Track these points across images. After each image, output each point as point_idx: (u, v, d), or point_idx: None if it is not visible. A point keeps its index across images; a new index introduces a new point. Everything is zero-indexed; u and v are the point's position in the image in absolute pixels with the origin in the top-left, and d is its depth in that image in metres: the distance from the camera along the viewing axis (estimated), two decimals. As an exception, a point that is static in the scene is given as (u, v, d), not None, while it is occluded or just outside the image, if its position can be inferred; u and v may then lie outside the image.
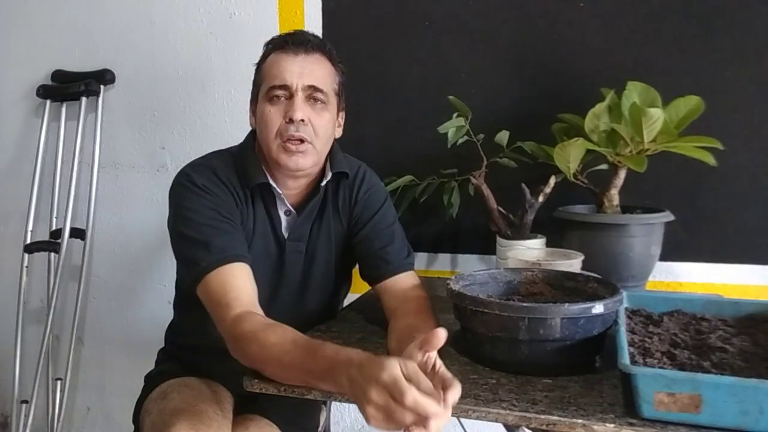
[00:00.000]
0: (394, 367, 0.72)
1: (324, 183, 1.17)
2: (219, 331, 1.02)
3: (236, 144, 1.24)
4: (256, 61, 1.18)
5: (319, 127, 1.11)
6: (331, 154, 1.19)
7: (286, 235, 1.19)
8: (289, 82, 1.09)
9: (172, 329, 1.35)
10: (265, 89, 1.12)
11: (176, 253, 1.13)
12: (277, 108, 1.10)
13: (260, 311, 1.02)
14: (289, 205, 1.18)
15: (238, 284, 1.03)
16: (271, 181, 1.15)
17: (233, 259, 1.05)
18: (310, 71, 1.10)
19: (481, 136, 1.45)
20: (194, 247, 1.06)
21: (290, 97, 1.10)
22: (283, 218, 1.19)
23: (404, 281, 1.17)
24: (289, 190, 1.18)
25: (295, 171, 1.12)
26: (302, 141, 1.10)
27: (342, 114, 1.22)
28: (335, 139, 1.21)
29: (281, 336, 0.92)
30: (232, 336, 0.98)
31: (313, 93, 1.11)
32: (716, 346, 0.86)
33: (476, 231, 1.59)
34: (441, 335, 0.75)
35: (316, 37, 1.16)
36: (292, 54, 1.11)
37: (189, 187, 1.11)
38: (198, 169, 1.14)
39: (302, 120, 1.09)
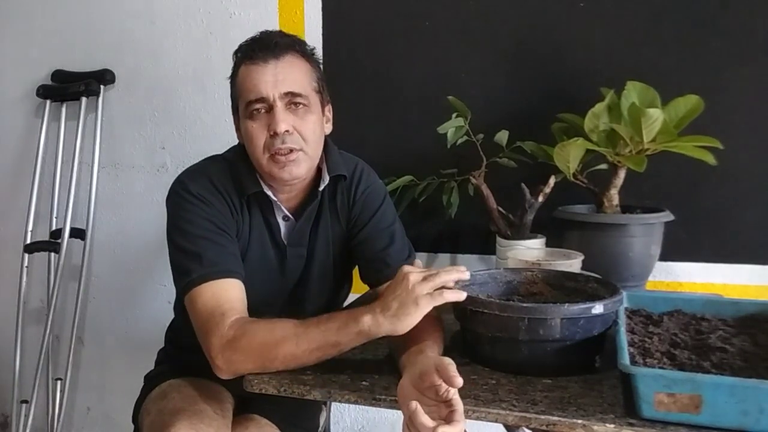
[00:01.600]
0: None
1: (322, 188, 1.16)
2: (208, 345, 0.99)
3: (234, 145, 1.22)
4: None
5: (306, 132, 1.08)
6: (326, 154, 1.17)
7: (286, 241, 1.18)
8: (265, 94, 1.06)
9: (173, 330, 1.35)
10: (243, 105, 1.09)
11: (170, 262, 1.11)
12: (259, 123, 1.08)
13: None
14: (286, 210, 1.17)
15: (231, 297, 1.02)
16: (266, 189, 1.13)
17: (224, 275, 1.04)
18: (284, 77, 1.07)
19: (481, 136, 1.45)
20: (187, 257, 1.06)
21: (270, 109, 1.07)
22: (282, 224, 1.18)
23: None
24: (285, 195, 1.16)
25: (289, 181, 1.10)
26: (291, 150, 1.07)
27: (329, 108, 1.19)
28: (330, 137, 1.19)
29: (286, 320, 0.95)
30: (232, 339, 0.96)
31: (292, 99, 1.07)
32: (716, 346, 0.86)
33: (476, 231, 1.59)
34: (459, 384, 0.78)
35: (283, 36, 1.11)
36: (261, 62, 1.07)
37: (184, 196, 1.10)
38: (194, 177, 1.13)
39: (287, 131, 1.06)
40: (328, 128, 1.19)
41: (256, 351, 0.94)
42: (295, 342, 0.92)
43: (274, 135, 1.06)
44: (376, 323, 0.88)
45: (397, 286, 0.90)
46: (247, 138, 1.10)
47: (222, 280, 1.03)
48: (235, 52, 1.13)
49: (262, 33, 1.13)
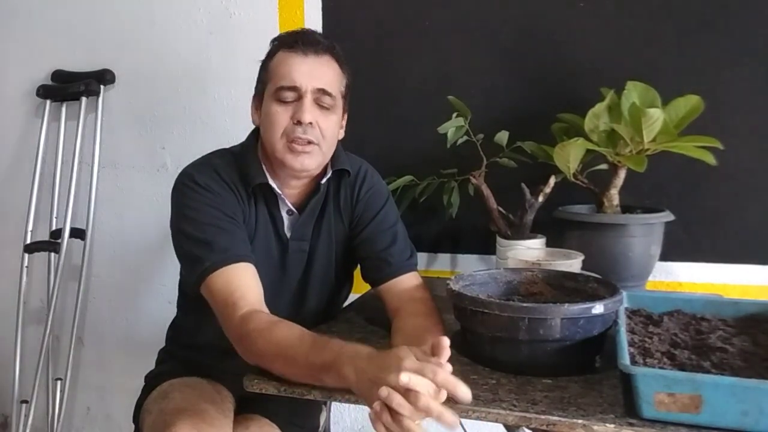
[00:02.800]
0: (411, 355, 0.78)
1: (324, 181, 1.17)
2: (225, 330, 1.02)
3: (237, 143, 1.24)
4: (257, 60, 1.17)
5: (326, 130, 1.11)
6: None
7: (288, 234, 1.19)
8: (298, 84, 1.09)
9: (174, 328, 1.35)
10: (273, 88, 1.11)
11: (179, 252, 1.12)
12: (285, 109, 1.10)
13: (266, 309, 1.03)
14: (290, 204, 1.18)
15: (244, 283, 1.03)
16: (271, 182, 1.15)
17: (237, 259, 1.05)
18: (320, 74, 1.10)
19: (481, 136, 1.45)
20: (197, 246, 1.07)
21: (299, 98, 1.09)
22: (286, 218, 1.19)
23: (407, 282, 1.16)
24: (290, 189, 1.17)
25: (300, 171, 1.12)
26: (309, 143, 1.09)
27: (345, 116, 1.22)
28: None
29: (287, 332, 0.93)
30: (239, 335, 0.98)
31: (321, 96, 1.10)
32: (716, 346, 0.86)
33: (476, 231, 1.59)
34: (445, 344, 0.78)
35: (326, 38, 1.15)
36: (302, 54, 1.10)
37: (191, 186, 1.11)
38: (200, 168, 1.15)
39: (310, 123, 1.09)
40: (341, 134, 1.21)
41: (256, 356, 0.96)
42: (285, 363, 0.91)
43: (297, 123, 1.09)
44: (353, 377, 0.82)
45: (385, 372, 0.77)
46: (268, 120, 1.11)
47: (234, 266, 1.05)
48: (274, 40, 1.16)
49: (305, 29, 1.18)
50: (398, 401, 0.73)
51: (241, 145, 1.22)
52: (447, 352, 0.79)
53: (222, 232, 1.07)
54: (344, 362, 0.83)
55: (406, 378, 0.73)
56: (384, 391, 0.74)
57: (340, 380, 0.84)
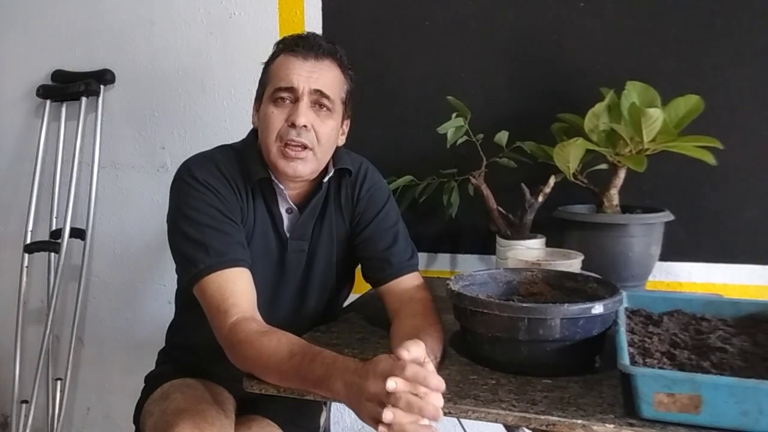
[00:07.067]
0: (386, 358, 0.78)
1: (326, 179, 1.17)
2: (216, 336, 1.02)
3: (244, 137, 1.23)
4: (257, 60, 1.17)
5: (322, 135, 1.10)
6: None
7: (288, 233, 1.18)
8: (295, 85, 1.08)
9: (172, 329, 1.35)
10: (271, 90, 1.10)
11: (174, 249, 1.11)
12: (280, 110, 1.09)
13: (258, 316, 1.02)
14: (291, 202, 1.17)
15: (237, 290, 1.03)
16: (273, 177, 1.14)
17: (232, 264, 1.04)
18: (318, 76, 1.09)
19: (481, 136, 1.45)
20: (193, 246, 1.06)
21: (295, 100, 1.09)
22: (285, 216, 1.18)
23: (408, 282, 1.16)
24: (290, 190, 1.17)
25: (292, 177, 1.11)
26: (303, 147, 1.08)
27: (347, 122, 1.21)
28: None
29: (277, 343, 0.93)
30: (230, 343, 0.98)
31: (319, 98, 1.09)
32: (716, 346, 0.86)
33: (476, 231, 1.59)
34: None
35: (328, 42, 1.14)
36: (302, 57, 1.09)
37: (191, 182, 1.10)
38: (200, 163, 1.14)
39: (305, 126, 1.07)
40: (341, 140, 1.20)
41: (248, 365, 0.96)
42: (277, 375, 0.92)
43: (291, 126, 1.08)
44: (343, 391, 0.82)
45: (373, 382, 0.77)
46: (264, 122, 1.11)
47: (228, 270, 1.04)
48: (277, 43, 1.15)
49: (309, 33, 1.16)
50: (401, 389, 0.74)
51: (243, 141, 1.21)
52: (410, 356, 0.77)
53: (219, 234, 1.06)
54: (334, 377, 0.83)
55: (392, 384, 0.74)
56: (391, 383, 0.74)
57: (331, 394, 0.85)
